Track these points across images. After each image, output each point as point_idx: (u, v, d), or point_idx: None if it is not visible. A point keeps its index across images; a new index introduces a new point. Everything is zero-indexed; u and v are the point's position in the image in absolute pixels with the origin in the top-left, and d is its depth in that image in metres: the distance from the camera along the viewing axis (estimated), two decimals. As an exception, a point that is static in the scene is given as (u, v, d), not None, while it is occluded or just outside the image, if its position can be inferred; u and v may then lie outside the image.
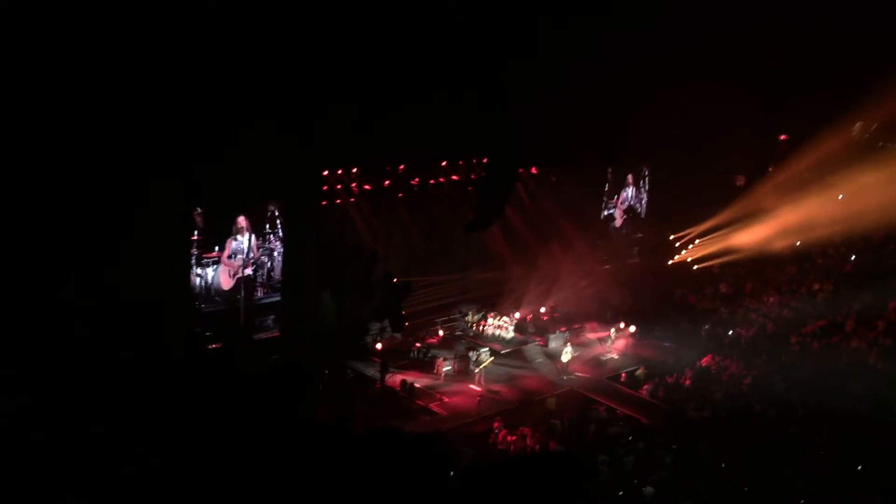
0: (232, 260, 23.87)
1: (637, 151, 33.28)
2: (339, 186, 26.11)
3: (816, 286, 29.26)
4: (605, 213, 34.24)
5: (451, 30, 22.63)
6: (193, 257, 23.06)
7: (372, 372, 24.84)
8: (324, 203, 25.81)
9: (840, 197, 30.88)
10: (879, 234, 30.32)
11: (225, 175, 21.21)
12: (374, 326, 26.74)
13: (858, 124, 31.98)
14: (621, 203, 34.54)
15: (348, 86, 22.42)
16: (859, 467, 19.22)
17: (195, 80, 19.90)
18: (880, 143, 31.96)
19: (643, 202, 34.94)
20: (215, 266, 23.66)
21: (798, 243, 30.95)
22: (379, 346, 26.09)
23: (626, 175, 34.40)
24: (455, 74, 22.90)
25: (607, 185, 33.82)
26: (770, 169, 34.07)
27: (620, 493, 17.99)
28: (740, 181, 35.38)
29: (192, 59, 19.65)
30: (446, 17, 22.47)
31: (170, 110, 19.74)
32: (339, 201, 26.23)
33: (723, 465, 19.44)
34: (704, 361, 25.92)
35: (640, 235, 35.03)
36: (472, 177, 28.81)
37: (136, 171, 19.71)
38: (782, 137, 34.90)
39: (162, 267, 21.09)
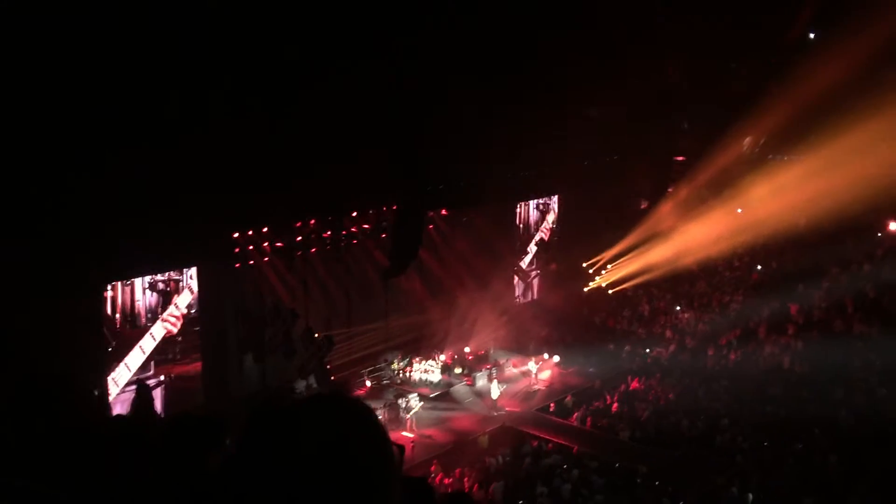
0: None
1: (544, 185, 34.02)
2: (250, 247, 25.79)
3: (727, 298, 30.25)
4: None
5: (352, 81, 22.72)
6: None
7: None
8: (237, 265, 25.46)
9: (739, 211, 32.10)
10: (777, 242, 31.61)
11: (134, 246, 20.72)
12: (300, 385, 26.36)
13: (748, 139, 33.34)
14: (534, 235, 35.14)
15: (250, 143, 22.15)
16: (786, 469, 19.83)
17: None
18: (769, 156, 33.35)
19: (550, 229, 35.55)
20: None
21: (705, 258, 31.94)
22: (307, 403, 25.63)
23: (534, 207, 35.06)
24: (359, 125, 22.95)
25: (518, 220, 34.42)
26: (670, 190, 35.14)
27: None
28: (644, 204, 36.38)
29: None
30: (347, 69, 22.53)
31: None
32: (252, 262, 25.91)
33: (657, 483, 19.78)
34: (633, 385, 26.41)
35: (553, 266, 35.57)
36: (384, 224, 28.90)
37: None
38: (679, 158, 36.09)
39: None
